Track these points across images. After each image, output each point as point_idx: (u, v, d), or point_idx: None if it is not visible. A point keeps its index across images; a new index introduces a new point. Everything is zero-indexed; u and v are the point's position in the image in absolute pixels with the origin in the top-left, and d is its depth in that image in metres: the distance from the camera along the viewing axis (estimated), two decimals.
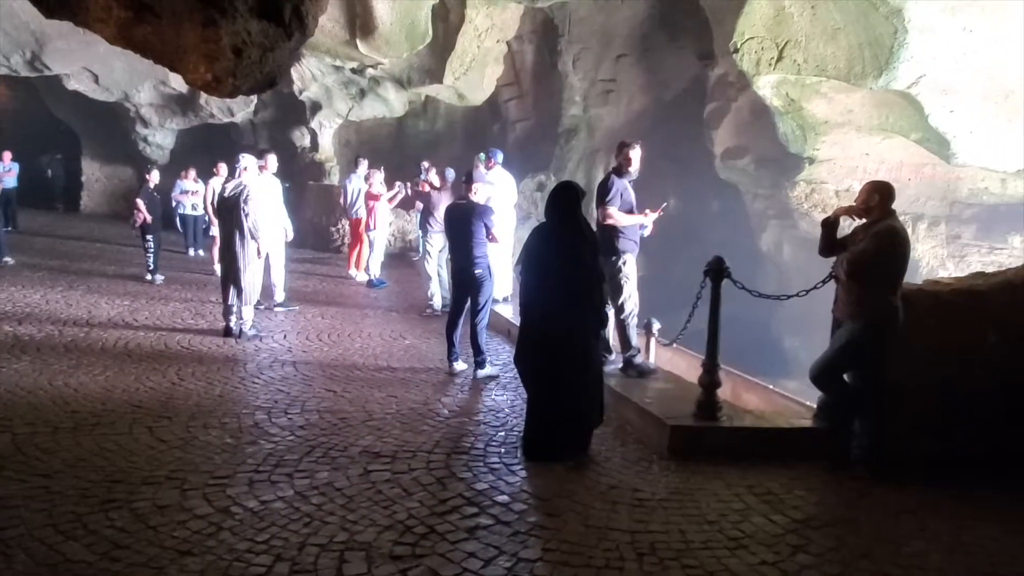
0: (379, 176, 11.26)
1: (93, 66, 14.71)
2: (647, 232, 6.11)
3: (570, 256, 4.60)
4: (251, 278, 7.54)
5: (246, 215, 7.37)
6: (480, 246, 6.41)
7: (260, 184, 8.28)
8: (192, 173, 13.60)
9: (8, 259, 10.85)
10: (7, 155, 14.75)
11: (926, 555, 3.44)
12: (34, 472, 3.95)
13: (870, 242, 4.32)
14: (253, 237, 7.46)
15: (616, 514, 3.73)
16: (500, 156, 9.20)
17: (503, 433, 4.96)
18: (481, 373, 6.35)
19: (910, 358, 4.34)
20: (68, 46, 13.26)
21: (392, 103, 15.31)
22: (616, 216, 5.78)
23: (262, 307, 8.52)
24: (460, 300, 6.57)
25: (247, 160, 7.75)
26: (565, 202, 4.76)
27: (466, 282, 6.47)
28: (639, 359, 5.91)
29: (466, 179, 6.69)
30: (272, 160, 8.90)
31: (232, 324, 7.47)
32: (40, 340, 6.87)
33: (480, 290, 6.41)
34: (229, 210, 7.48)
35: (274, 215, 8.76)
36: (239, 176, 7.58)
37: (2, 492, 3.67)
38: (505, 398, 5.84)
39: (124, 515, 3.49)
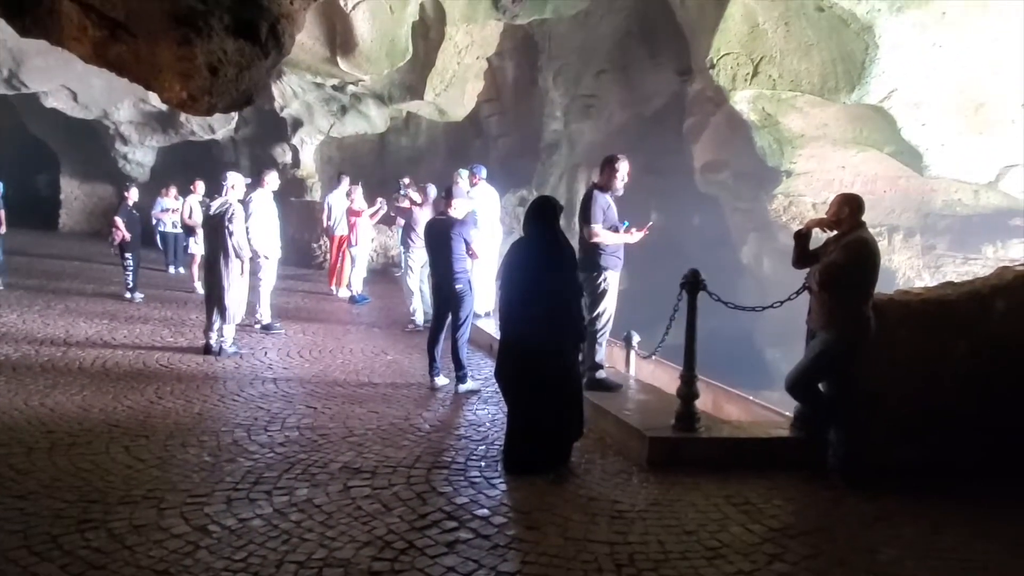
0: (360, 192, 11.30)
1: (72, 84, 14.67)
2: (633, 240, 5.91)
3: (548, 270, 4.63)
4: (234, 296, 7.50)
5: (230, 233, 7.33)
6: (460, 261, 6.44)
7: (260, 201, 8.39)
8: (172, 191, 13.56)
9: None
10: None
11: (900, 562, 3.48)
12: (8, 493, 3.90)
13: (840, 253, 4.39)
14: (237, 255, 7.44)
15: (595, 526, 3.75)
16: (484, 172, 9.25)
17: (484, 447, 4.97)
18: (463, 388, 6.36)
19: (883, 367, 4.42)
20: (46, 64, 13.21)
21: (373, 119, 15.38)
22: (601, 235, 5.65)
23: (256, 326, 8.61)
24: (441, 315, 6.59)
25: (234, 178, 7.71)
26: (543, 216, 4.80)
27: (447, 297, 6.49)
28: (602, 374, 5.85)
29: (446, 195, 6.73)
30: (272, 178, 8.90)
31: (212, 341, 7.43)
32: (16, 360, 6.79)
33: (461, 305, 6.43)
34: (214, 228, 7.45)
35: (272, 233, 8.76)
36: (225, 194, 7.55)
37: None
38: (486, 412, 5.85)
39: (100, 535, 3.46)
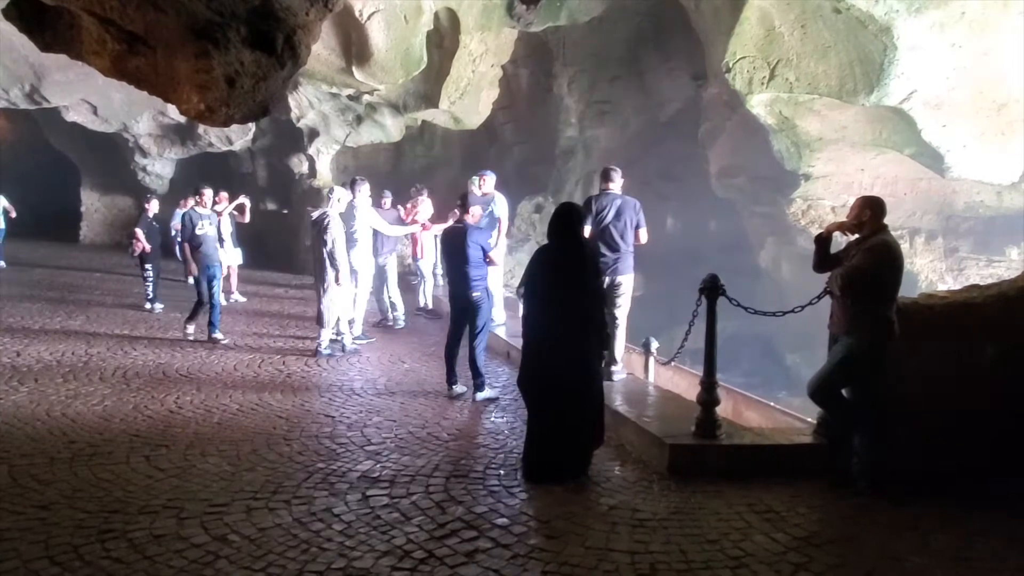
0: (427, 204, 10.98)
1: (92, 98, 14.86)
2: None
3: (572, 278, 4.60)
4: (327, 303, 7.98)
5: (324, 243, 7.78)
6: (477, 268, 6.41)
7: (364, 211, 8.77)
8: (191, 202, 13.65)
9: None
10: None
11: (929, 571, 3.41)
12: (30, 503, 3.93)
13: (863, 257, 4.32)
14: (332, 265, 7.80)
15: (616, 535, 3.71)
16: (493, 178, 9.23)
17: (503, 455, 4.94)
18: (480, 396, 6.34)
19: (907, 372, 4.34)
20: (67, 78, 13.40)
21: (389, 128, 15.41)
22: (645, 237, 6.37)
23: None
24: (458, 323, 6.57)
25: (339, 192, 8.20)
26: (567, 223, 4.76)
27: (464, 305, 6.47)
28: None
29: (461, 202, 6.71)
30: (365, 188, 9.03)
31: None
32: (38, 371, 6.86)
33: (478, 313, 6.41)
34: (315, 237, 7.96)
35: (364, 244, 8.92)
36: (330, 206, 7.99)
37: None
38: (504, 420, 5.82)
39: (121, 545, 3.47)
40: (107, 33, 3.84)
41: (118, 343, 8.27)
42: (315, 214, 8.08)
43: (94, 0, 3.71)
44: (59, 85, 13.75)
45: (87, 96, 14.75)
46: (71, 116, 15.41)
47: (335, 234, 7.79)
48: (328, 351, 7.96)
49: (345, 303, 8.19)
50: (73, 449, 4.79)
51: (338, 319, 8.15)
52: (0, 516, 3.75)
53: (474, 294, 6.37)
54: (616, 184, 6.41)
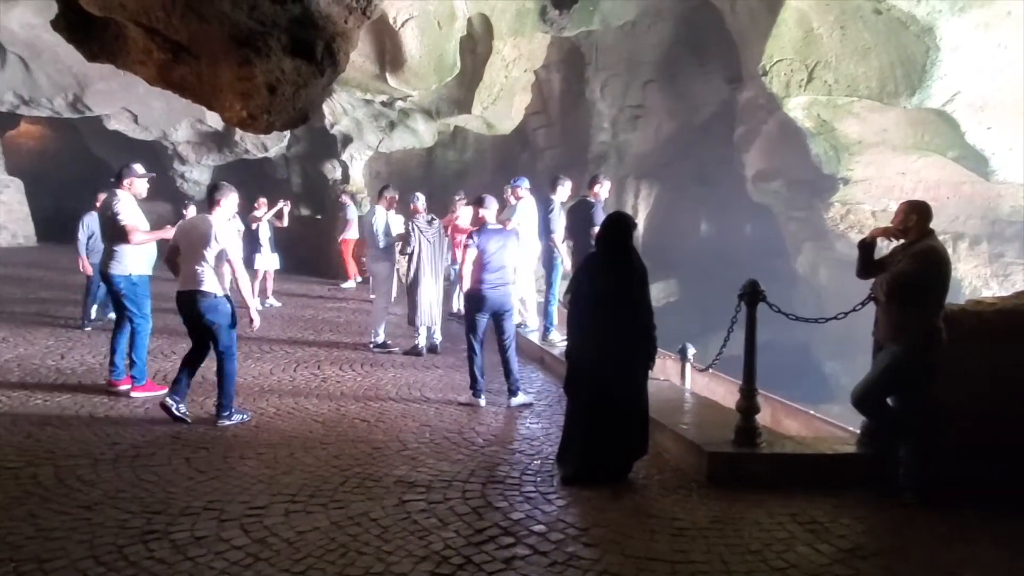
0: (468, 211, 10.92)
1: (132, 106, 15.21)
2: None
3: (619, 288, 4.56)
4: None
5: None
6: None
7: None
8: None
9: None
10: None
11: None
12: (76, 504, 4.00)
13: (909, 263, 4.22)
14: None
15: (655, 543, 3.66)
16: (526, 183, 9.22)
17: (538, 461, 4.91)
18: (515, 401, 6.32)
19: (955, 380, 4.22)
20: (109, 88, 13.73)
21: (421, 134, 15.51)
22: None
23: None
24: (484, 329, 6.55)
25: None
26: (616, 233, 4.71)
27: (495, 310, 6.46)
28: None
29: (477, 204, 6.75)
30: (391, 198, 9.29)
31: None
32: (82, 373, 7.00)
33: (509, 318, 6.41)
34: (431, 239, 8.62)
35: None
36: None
37: (46, 524, 3.72)
38: (539, 426, 5.80)
39: (163, 546, 3.51)
40: (153, 43, 3.92)
41: (158, 346, 8.40)
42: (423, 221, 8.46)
43: (140, 11, 3.78)
44: (101, 94, 14.10)
45: (128, 104, 15.10)
46: (112, 124, 15.77)
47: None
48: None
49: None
50: (116, 451, 4.87)
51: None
52: (47, 516, 3.83)
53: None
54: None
